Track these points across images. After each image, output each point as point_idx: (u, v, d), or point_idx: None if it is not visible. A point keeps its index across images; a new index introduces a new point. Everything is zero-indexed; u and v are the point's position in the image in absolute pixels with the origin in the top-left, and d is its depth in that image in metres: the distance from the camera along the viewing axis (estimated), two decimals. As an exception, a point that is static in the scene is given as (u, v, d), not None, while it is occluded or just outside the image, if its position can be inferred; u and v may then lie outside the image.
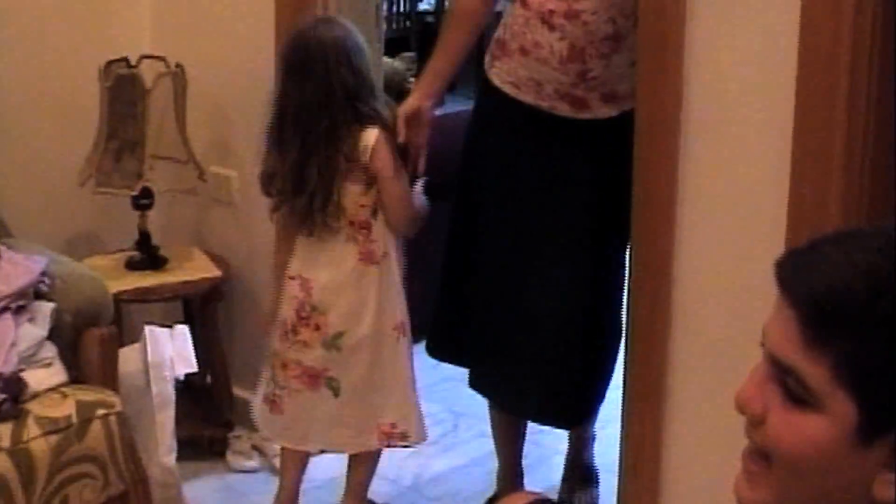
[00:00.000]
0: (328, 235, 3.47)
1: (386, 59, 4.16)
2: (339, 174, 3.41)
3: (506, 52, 3.41)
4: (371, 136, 3.40)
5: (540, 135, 3.43)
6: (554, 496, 3.62)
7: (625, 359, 3.23)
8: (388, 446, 3.63)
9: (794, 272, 1.35)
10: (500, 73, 3.44)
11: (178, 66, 3.97)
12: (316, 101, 3.40)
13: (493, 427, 3.80)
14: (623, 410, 3.24)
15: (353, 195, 3.45)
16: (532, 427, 3.84)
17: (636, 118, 3.02)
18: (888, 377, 1.28)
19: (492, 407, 3.75)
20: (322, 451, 3.73)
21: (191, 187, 4.08)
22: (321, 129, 3.38)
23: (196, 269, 4.09)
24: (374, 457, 3.68)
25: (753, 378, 1.39)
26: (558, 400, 3.53)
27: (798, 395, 1.33)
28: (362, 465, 3.68)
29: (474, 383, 3.67)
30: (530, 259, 3.47)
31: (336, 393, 3.54)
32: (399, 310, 3.54)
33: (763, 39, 2.75)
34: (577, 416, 3.68)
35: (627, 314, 3.17)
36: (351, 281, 3.49)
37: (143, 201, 3.99)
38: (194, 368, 3.56)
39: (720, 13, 2.82)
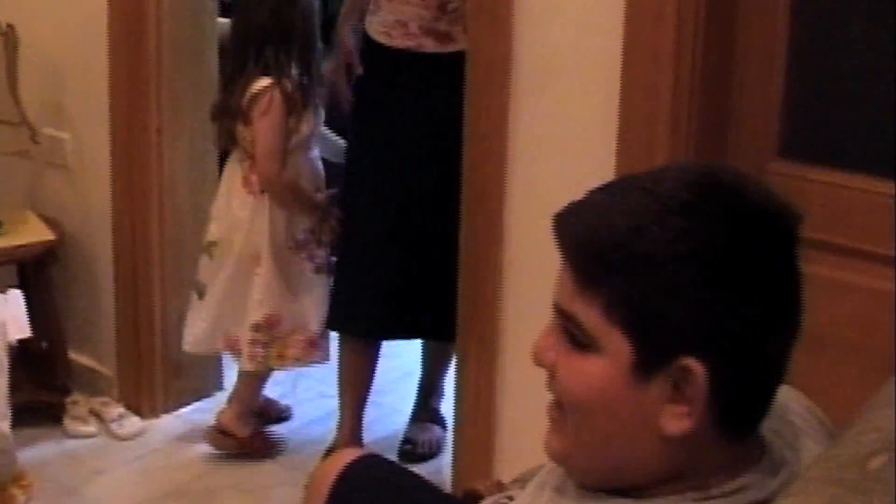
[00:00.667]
0: (230, 153, 3.76)
1: (222, 21, 4.11)
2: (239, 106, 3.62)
3: (377, 3, 3.57)
4: (258, 84, 3.59)
5: (413, 77, 3.59)
6: (388, 454, 3.67)
7: (457, 301, 3.25)
8: (232, 354, 3.86)
9: (564, 222, 1.39)
10: (374, 25, 3.61)
11: (9, 26, 3.90)
12: (238, 35, 3.66)
13: (342, 372, 3.86)
14: (457, 358, 3.31)
15: (240, 130, 3.66)
16: (373, 387, 3.90)
17: (468, 59, 3.07)
18: (655, 312, 1.33)
19: (344, 348, 3.85)
20: None
21: (23, 150, 4.01)
22: (237, 63, 3.64)
23: (30, 232, 4.01)
24: (255, 375, 3.89)
25: (545, 331, 1.42)
26: (424, 316, 3.71)
27: (580, 341, 1.38)
28: (243, 379, 3.93)
29: (333, 321, 3.80)
30: (403, 190, 3.62)
31: (200, 296, 3.79)
32: (263, 246, 3.69)
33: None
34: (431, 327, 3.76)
35: (459, 258, 3.21)
36: (232, 198, 3.73)
37: (-26, 163, 3.93)
38: (28, 333, 3.52)
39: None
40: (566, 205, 1.41)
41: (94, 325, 4.16)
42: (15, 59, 3.90)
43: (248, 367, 3.80)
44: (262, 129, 3.61)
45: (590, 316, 1.36)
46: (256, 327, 3.73)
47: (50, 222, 4.07)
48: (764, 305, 1.35)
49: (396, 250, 3.66)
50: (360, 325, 3.77)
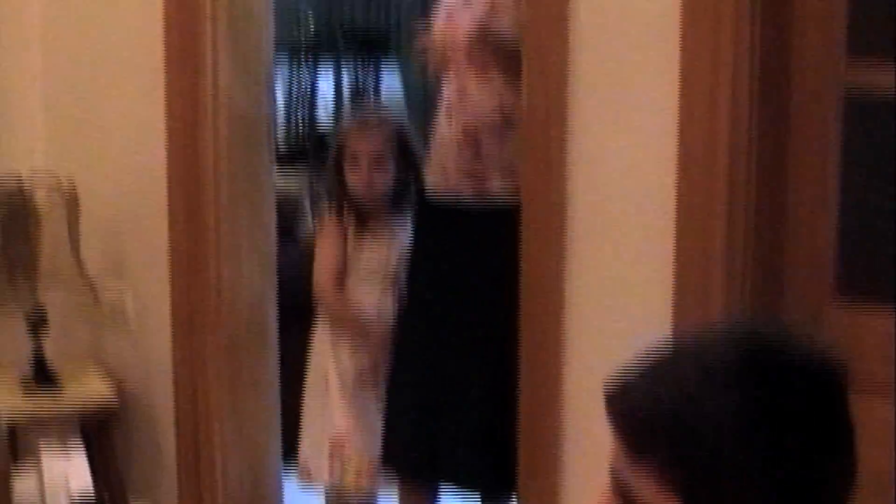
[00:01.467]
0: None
1: (278, 174, 4.18)
2: None
3: (430, 152, 3.73)
4: (323, 210, 3.92)
5: (457, 229, 3.68)
6: None
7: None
8: (306, 479, 3.97)
9: (611, 394, 1.40)
10: (426, 176, 3.75)
11: (71, 184, 3.96)
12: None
13: None
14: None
15: None
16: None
17: (522, 208, 3.11)
18: (707, 481, 1.33)
19: (400, 491, 3.88)
20: None
21: (84, 306, 4.06)
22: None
23: (91, 389, 4.04)
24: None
25: (603, 491, 1.43)
26: (475, 460, 3.69)
27: None
28: None
29: (389, 458, 3.82)
30: (450, 341, 3.68)
31: None
32: (330, 372, 3.84)
33: (644, 126, 2.86)
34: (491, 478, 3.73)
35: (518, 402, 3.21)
36: None
37: (38, 321, 3.96)
38: (90, 489, 3.53)
39: (601, 101, 2.93)
40: (613, 376, 1.42)
41: (156, 481, 4.16)
42: (76, 218, 3.95)
43: (325, 479, 3.90)
44: (318, 246, 3.84)
45: (643, 485, 1.36)
46: (332, 444, 3.84)
47: (111, 379, 4.10)
48: (816, 463, 1.35)
49: (440, 387, 3.69)
50: (409, 463, 3.80)
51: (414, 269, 3.79)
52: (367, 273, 3.84)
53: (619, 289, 2.93)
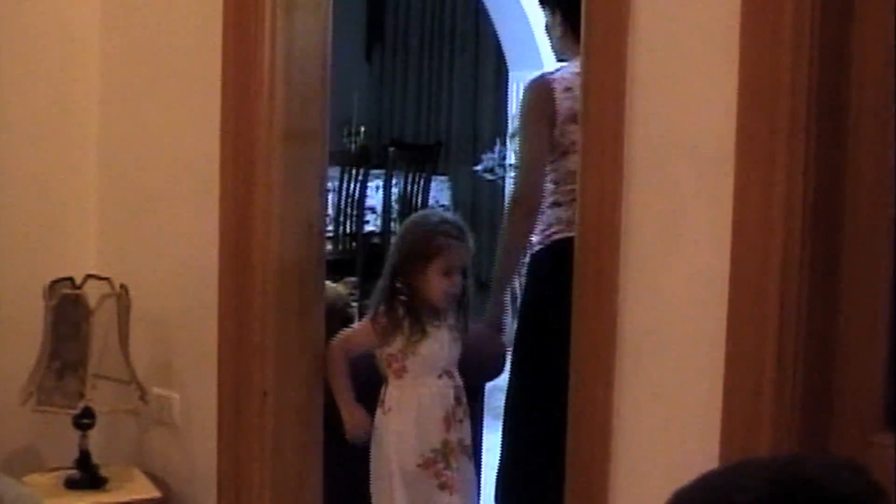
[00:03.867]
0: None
1: (329, 284, 4.21)
2: None
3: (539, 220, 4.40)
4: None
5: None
6: None
7: None
8: None
9: None
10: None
11: (122, 287, 4.01)
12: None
13: None
14: None
15: None
16: None
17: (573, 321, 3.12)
18: None
19: None
20: None
21: (132, 408, 4.08)
22: None
23: (136, 490, 4.06)
24: None
25: None
26: None
27: None
28: None
29: None
30: None
31: None
32: (393, 462, 3.95)
33: (696, 258, 2.87)
34: None
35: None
36: None
37: (85, 420, 3.99)
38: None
39: (654, 230, 2.95)
40: None
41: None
42: (127, 320, 3.99)
43: None
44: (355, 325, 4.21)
45: None
46: None
47: (156, 480, 4.11)
48: None
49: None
50: None
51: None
52: (425, 368, 3.94)
53: (667, 415, 2.93)
